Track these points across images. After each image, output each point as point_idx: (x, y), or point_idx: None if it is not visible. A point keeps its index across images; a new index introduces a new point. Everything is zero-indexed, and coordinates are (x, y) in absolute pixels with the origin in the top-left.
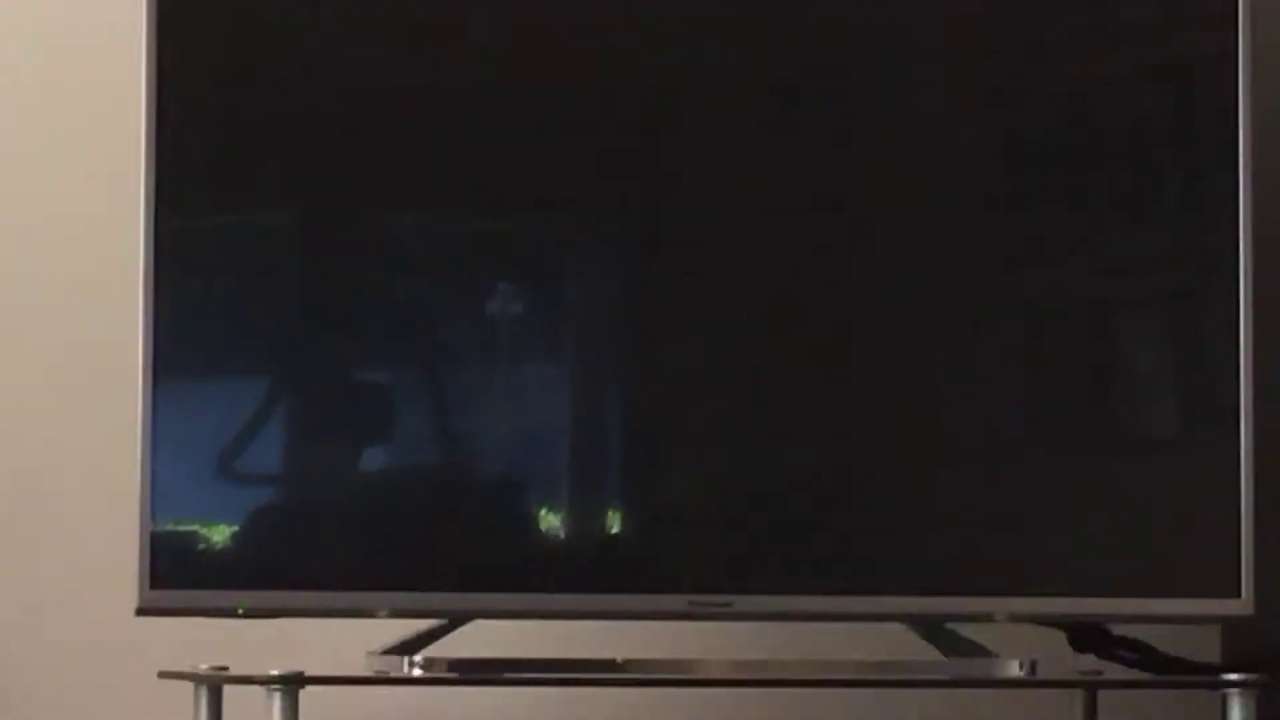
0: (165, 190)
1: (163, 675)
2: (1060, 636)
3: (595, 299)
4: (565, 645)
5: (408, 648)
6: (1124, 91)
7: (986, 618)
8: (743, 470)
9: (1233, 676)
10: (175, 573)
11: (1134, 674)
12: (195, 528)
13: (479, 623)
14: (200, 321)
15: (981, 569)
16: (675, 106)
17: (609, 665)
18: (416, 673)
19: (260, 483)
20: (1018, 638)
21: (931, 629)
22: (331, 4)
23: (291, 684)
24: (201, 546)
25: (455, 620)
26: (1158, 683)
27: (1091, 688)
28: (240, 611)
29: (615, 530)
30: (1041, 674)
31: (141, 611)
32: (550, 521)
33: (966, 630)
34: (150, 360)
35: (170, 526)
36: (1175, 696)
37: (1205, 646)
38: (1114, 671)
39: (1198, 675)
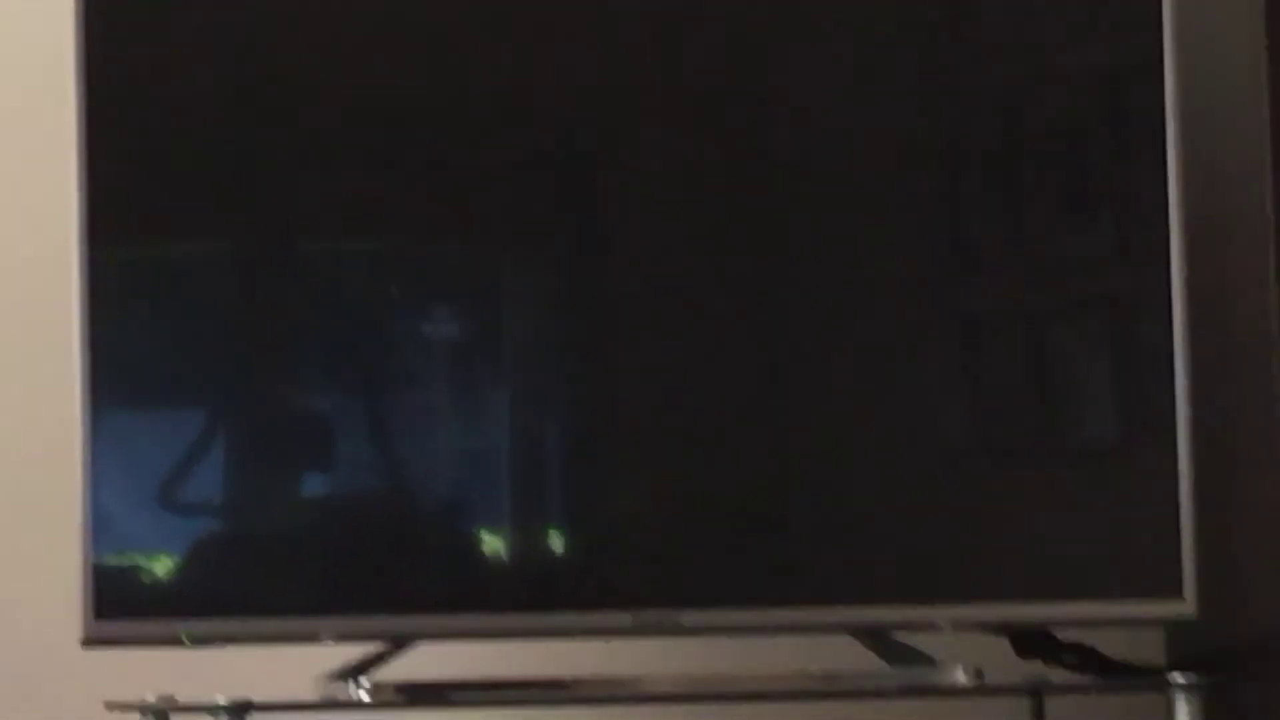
0: (98, 223)
1: (110, 706)
2: (1005, 643)
3: (532, 320)
4: (512, 666)
5: (354, 672)
6: (1051, 98)
7: (931, 626)
8: (684, 486)
9: (1178, 678)
10: (119, 603)
11: (1080, 678)
12: (138, 558)
13: (425, 645)
14: (138, 353)
15: (925, 578)
16: (610, 128)
17: (557, 685)
18: (363, 697)
19: (202, 512)
20: (963, 645)
21: (877, 639)
22: (262, 32)
23: (239, 711)
24: (145, 577)
25: (401, 643)
26: (1103, 686)
27: (1038, 693)
28: (185, 640)
29: (559, 549)
30: (988, 681)
31: (87, 643)
32: (493, 542)
33: (912, 639)
34: (88, 392)
35: (113, 558)
36: (1121, 699)
37: (1149, 649)
38: (1060, 676)
39: (1143, 678)
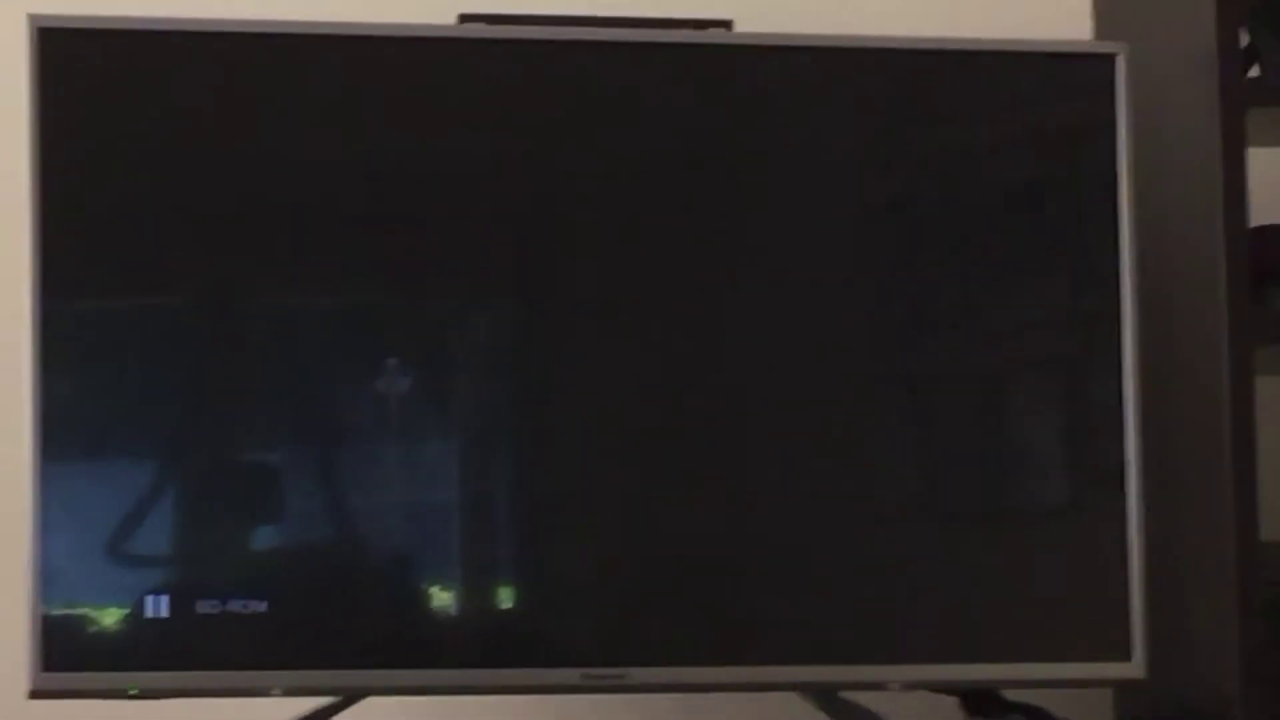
0: (50, 275)
1: None
2: (953, 702)
3: (484, 374)
4: None
5: None
6: (1007, 160)
7: (880, 685)
8: (634, 543)
9: None
10: (67, 655)
11: None
12: (86, 610)
13: (373, 699)
14: (88, 404)
15: (874, 636)
16: (563, 184)
17: None
18: None
19: (151, 564)
20: (911, 705)
21: (825, 697)
22: (215, 88)
23: None
24: (93, 628)
25: (349, 697)
26: None
27: None
28: (132, 692)
29: (508, 605)
30: None
31: (35, 694)
32: (442, 597)
33: (860, 698)
34: (39, 444)
35: (61, 609)
36: None
37: (1098, 710)
38: None
39: None
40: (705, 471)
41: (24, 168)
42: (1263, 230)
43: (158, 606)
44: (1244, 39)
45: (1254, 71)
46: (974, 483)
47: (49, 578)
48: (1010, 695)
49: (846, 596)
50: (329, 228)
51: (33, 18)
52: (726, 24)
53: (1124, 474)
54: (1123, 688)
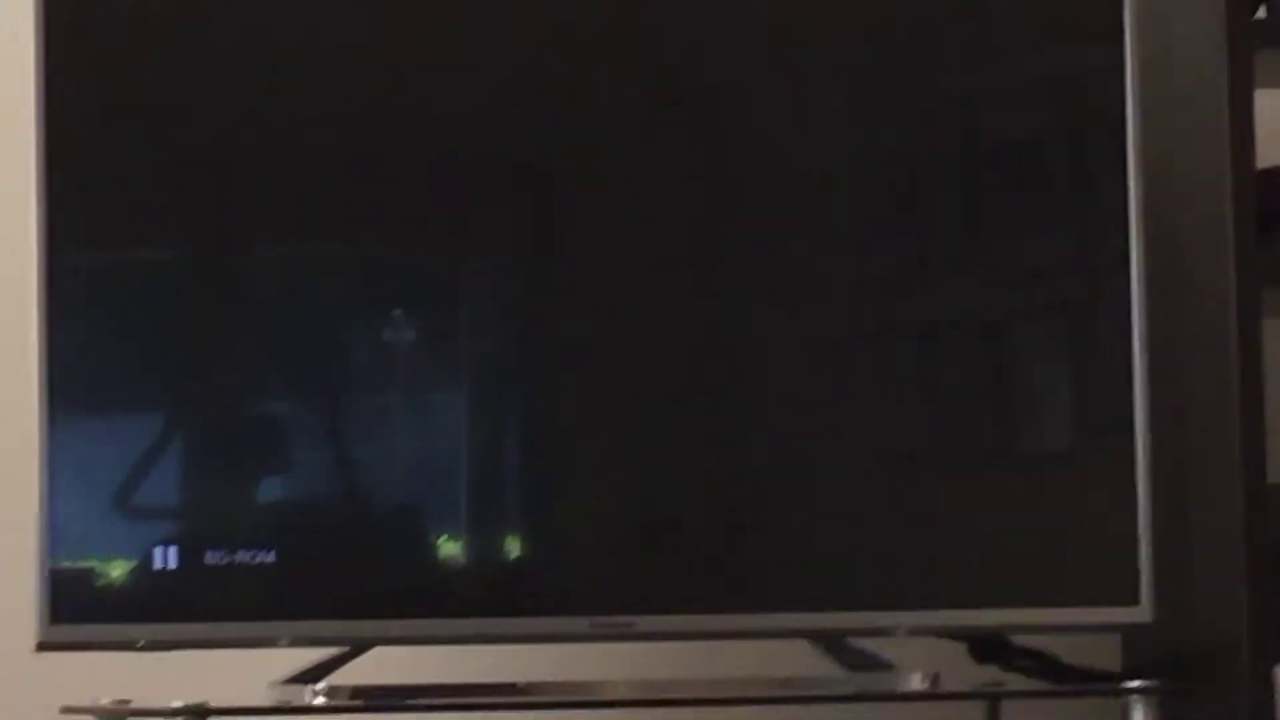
0: (57, 227)
1: (65, 710)
2: (961, 649)
3: (491, 325)
4: (467, 670)
5: (310, 676)
6: (1013, 103)
7: (887, 632)
8: (641, 491)
9: (1134, 684)
10: (75, 607)
11: (1036, 684)
12: (94, 562)
13: (380, 649)
14: (95, 357)
15: (881, 583)
16: (569, 131)
17: (511, 689)
18: (319, 701)
19: (158, 516)
20: (919, 651)
21: (832, 644)
22: (221, 41)
23: (195, 715)
24: (100, 581)
25: (357, 648)
26: (1060, 692)
27: (994, 699)
28: (140, 644)
29: (515, 554)
30: (944, 686)
31: (42, 646)
32: (450, 547)
33: (867, 645)
34: (46, 397)
35: (69, 562)
36: (1078, 705)
37: (1106, 655)
38: (1016, 682)
39: (1099, 683)
40: (712, 419)
41: (30, 119)
42: (1270, 172)
43: (166, 558)
44: None
45: (1262, 13)
46: (982, 429)
47: (57, 531)
48: (1018, 640)
49: (854, 543)
50: (336, 179)
51: None
52: None
53: (1132, 418)
54: (1130, 632)
